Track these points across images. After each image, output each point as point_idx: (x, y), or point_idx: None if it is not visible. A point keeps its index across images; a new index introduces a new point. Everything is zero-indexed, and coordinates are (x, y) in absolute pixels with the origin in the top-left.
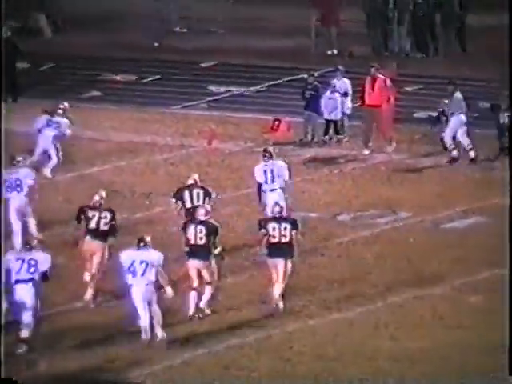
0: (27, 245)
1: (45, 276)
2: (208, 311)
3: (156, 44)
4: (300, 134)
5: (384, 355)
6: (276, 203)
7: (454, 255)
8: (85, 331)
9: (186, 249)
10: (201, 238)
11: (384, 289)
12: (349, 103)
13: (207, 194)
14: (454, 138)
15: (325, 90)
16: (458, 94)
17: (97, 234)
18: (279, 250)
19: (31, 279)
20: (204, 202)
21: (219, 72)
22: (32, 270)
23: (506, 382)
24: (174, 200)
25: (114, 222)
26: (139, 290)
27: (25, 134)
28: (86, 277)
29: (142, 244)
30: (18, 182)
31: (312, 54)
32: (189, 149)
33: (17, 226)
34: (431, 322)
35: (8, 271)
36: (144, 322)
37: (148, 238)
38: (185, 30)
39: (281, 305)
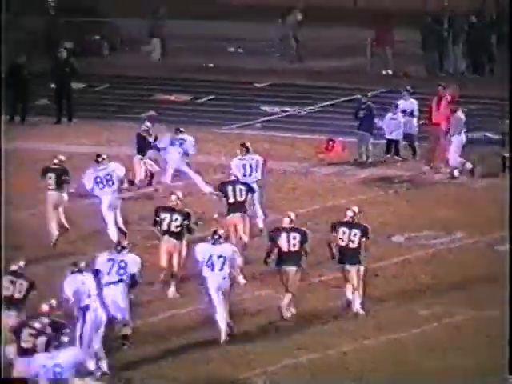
0: (118, 245)
1: (133, 279)
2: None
3: (210, 64)
4: (354, 154)
5: (439, 376)
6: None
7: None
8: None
9: (272, 256)
10: (294, 245)
11: (439, 309)
12: (415, 123)
13: (250, 189)
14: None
15: (385, 111)
16: (458, 113)
17: (170, 234)
18: (347, 255)
19: (121, 280)
20: (246, 198)
21: (273, 92)
22: (122, 271)
23: (506, 382)
24: (217, 193)
25: (187, 223)
26: (216, 284)
27: (80, 154)
28: (162, 275)
29: (216, 237)
30: (109, 177)
31: (367, 74)
32: None
33: (110, 220)
34: (486, 343)
35: (99, 271)
36: (220, 315)
37: (221, 232)
38: (239, 51)
39: (361, 311)
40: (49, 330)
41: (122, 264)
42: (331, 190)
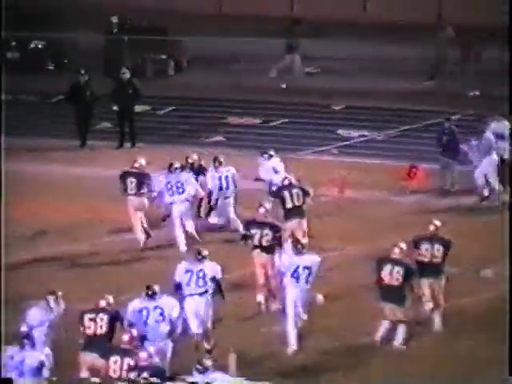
0: (198, 254)
1: (218, 286)
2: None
3: (283, 86)
4: (438, 181)
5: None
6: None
7: None
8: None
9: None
10: (397, 279)
11: None
12: (506, 147)
13: (306, 193)
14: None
15: (471, 135)
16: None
17: (261, 249)
18: (429, 270)
19: (204, 292)
20: (303, 202)
21: (350, 115)
22: (201, 282)
23: (506, 382)
24: (273, 199)
25: (278, 235)
26: (299, 295)
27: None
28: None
29: (300, 248)
30: (179, 185)
31: (451, 96)
32: (319, 197)
33: (179, 230)
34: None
35: (178, 285)
36: (292, 326)
37: (304, 241)
38: (314, 71)
39: (438, 326)
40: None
41: (201, 274)
42: (414, 220)
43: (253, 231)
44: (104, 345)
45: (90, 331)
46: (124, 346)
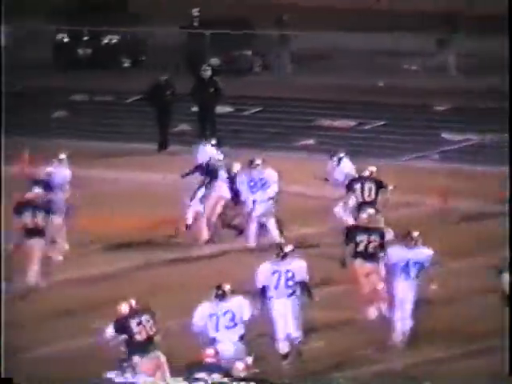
0: (281, 252)
1: (305, 287)
2: None
3: (380, 84)
4: None
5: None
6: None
7: None
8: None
9: None
10: None
11: None
12: None
13: (381, 186)
14: None
15: None
16: None
17: (365, 256)
18: None
19: (291, 294)
20: (376, 197)
21: (456, 117)
22: (290, 283)
23: (506, 382)
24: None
25: (383, 241)
26: (409, 292)
27: None
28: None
29: (411, 240)
30: (264, 182)
31: None
32: (418, 207)
33: (254, 226)
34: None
35: (265, 287)
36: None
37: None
38: (415, 68)
39: None
40: None
41: (290, 274)
42: None
43: (358, 238)
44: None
45: (140, 336)
46: (209, 360)
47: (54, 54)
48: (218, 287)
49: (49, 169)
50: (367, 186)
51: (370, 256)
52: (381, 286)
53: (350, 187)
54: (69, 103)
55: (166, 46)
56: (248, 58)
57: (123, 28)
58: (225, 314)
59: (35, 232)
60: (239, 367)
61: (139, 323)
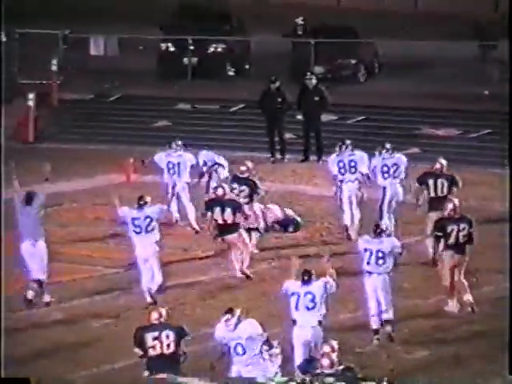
0: (378, 228)
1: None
2: None
3: (486, 92)
4: None
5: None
6: None
7: None
8: None
9: None
10: None
11: None
12: None
13: (454, 183)
14: None
15: None
16: None
17: (455, 248)
18: None
19: (381, 272)
20: (449, 193)
21: None
22: (381, 261)
23: (506, 382)
24: (417, 185)
25: (471, 231)
26: None
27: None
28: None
29: None
30: (353, 164)
31: None
32: None
33: (347, 206)
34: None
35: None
36: None
37: None
38: None
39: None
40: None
41: (380, 254)
42: None
43: (449, 228)
44: (174, 366)
45: (154, 352)
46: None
47: (158, 63)
48: (305, 271)
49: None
50: (439, 181)
51: (459, 247)
52: (462, 277)
53: (422, 181)
54: (172, 112)
55: (270, 54)
56: (352, 66)
57: (228, 37)
58: (305, 294)
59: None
60: (325, 363)
61: (156, 338)
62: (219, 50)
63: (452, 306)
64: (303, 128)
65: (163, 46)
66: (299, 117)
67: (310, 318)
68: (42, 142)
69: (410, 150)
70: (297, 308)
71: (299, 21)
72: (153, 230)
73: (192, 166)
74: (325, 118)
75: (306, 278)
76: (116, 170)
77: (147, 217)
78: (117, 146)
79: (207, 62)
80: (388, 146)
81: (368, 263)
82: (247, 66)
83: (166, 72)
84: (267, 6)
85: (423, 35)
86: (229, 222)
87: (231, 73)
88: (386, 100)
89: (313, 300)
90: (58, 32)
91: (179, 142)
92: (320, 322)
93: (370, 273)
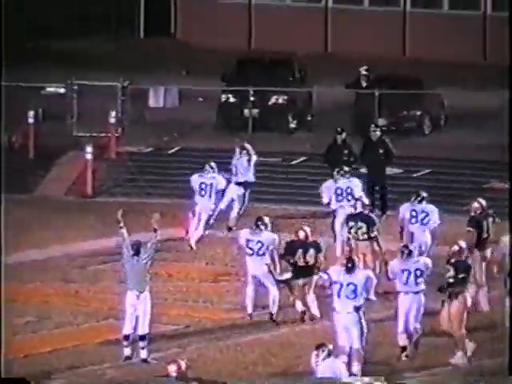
0: (405, 249)
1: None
2: None
3: None
4: None
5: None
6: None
7: None
8: None
9: None
10: None
11: None
12: None
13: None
14: None
15: None
16: None
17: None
18: None
19: (418, 291)
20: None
21: None
22: (419, 280)
23: (506, 382)
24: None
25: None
26: None
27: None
28: None
29: None
30: (349, 191)
31: None
32: None
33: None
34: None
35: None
36: None
37: None
38: None
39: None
40: None
41: (419, 272)
42: None
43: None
44: None
45: None
46: None
47: (218, 115)
48: (349, 259)
49: None
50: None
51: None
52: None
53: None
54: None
55: (332, 105)
56: (417, 117)
57: (289, 88)
58: (348, 285)
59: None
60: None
61: None
62: (280, 101)
63: (457, 357)
64: (367, 182)
65: (224, 96)
66: (363, 170)
67: (348, 305)
68: (99, 195)
69: (472, 204)
70: (338, 296)
71: (363, 70)
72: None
73: (220, 190)
74: (390, 171)
75: (349, 266)
76: (175, 224)
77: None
78: (175, 200)
79: (268, 114)
80: (346, 169)
81: (405, 283)
82: (309, 118)
83: (225, 124)
84: (330, 55)
85: (490, 86)
86: (310, 263)
87: (293, 125)
88: (452, 152)
89: (354, 291)
90: (117, 83)
91: (212, 164)
92: (357, 309)
93: (406, 292)
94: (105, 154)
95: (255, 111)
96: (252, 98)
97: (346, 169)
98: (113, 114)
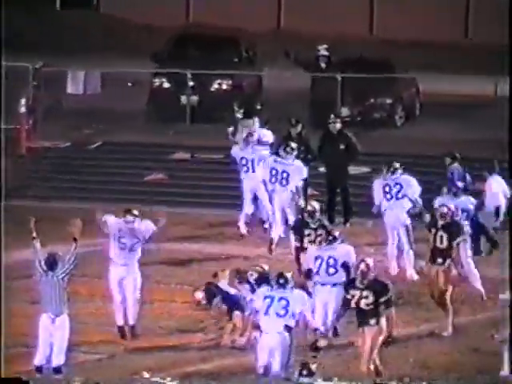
0: (330, 235)
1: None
2: None
3: None
4: None
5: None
6: None
7: None
8: None
9: None
10: None
11: None
12: None
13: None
14: None
15: None
16: None
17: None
18: None
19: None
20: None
21: None
22: (332, 270)
23: (506, 382)
24: None
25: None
26: None
27: None
28: None
29: None
30: (285, 175)
31: None
32: None
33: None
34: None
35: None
36: None
37: None
38: None
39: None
40: None
41: (332, 261)
42: None
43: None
44: None
45: None
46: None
47: (150, 103)
48: (280, 275)
49: None
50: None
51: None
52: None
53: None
54: (167, 163)
55: (286, 92)
56: (387, 106)
57: (235, 70)
58: (280, 300)
59: None
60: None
61: None
62: (224, 86)
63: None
64: (326, 181)
65: (156, 81)
66: (322, 169)
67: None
68: (7, 199)
69: None
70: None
71: (322, 50)
72: None
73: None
74: (355, 170)
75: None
76: (98, 232)
77: None
78: (97, 205)
79: (210, 102)
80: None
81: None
82: (258, 107)
83: (158, 113)
84: (283, 32)
85: (473, 69)
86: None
87: (239, 115)
88: (429, 147)
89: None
90: (28, 65)
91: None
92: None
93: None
94: (13, 150)
95: (194, 99)
96: (190, 83)
97: (293, 145)
98: (23, 101)
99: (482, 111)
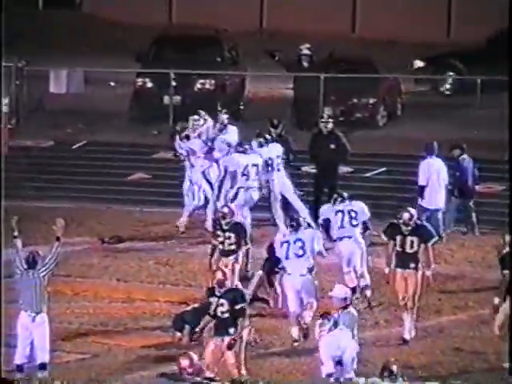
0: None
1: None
2: None
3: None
4: None
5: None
6: None
7: None
8: None
9: None
10: None
11: None
12: None
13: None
14: None
15: None
16: None
17: None
18: None
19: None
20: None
21: None
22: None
23: (506, 382)
24: None
25: None
26: None
27: None
28: None
29: None
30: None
31: None
32: None
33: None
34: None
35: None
36: None
37: None
38: None
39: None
40: None
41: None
42: None
43: None
44: None
45: None
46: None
47: (133, 103)
48: (292, 218)
49: None
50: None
51: None
52: None
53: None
54: (150, 162)
55: (268, 92)
56: (369, 106)
57: (218, 70)
58: (295, 242)
59: None
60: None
61: None
62: (207, 86)
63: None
64: (315, 181)
65: (139, 81)
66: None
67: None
68: None
69: None
70: (287, 257)
71: (304, 49)
72: None
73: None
74: (341, 169)
75: (294, 225)
76: (81, 232)
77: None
78: (80, 204)
79: (193, 102)
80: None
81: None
82: (240, 107)
83: (141, 113)
84: (265, 32)
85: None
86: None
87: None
88: (411, 147)
89: (302, 247)
90: (11, 64)
91: None
92: (310, 270)
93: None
94: None
95: (177, 98)
96: (173, 83)
97: (268, 136)
98: (5, 101)
99: (463, 111)
